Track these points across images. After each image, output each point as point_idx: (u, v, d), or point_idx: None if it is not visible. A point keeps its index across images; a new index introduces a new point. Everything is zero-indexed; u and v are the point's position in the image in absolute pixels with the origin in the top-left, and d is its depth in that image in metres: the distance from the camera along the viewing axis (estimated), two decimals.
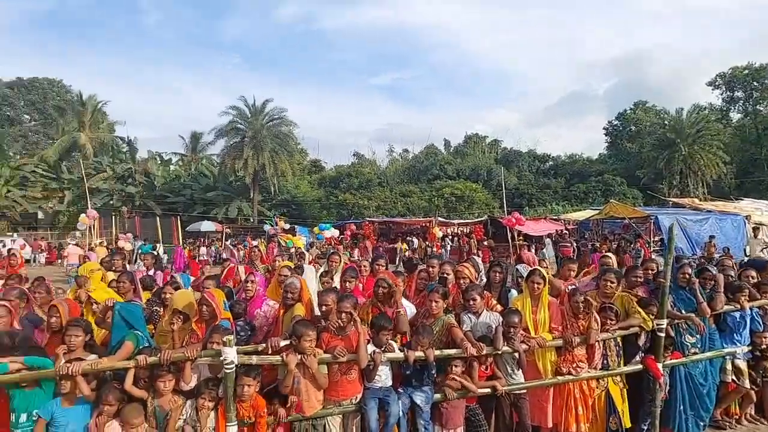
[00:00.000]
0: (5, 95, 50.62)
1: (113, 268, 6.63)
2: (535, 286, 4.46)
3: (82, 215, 21.70)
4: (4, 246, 21.39)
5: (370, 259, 7.34)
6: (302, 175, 44.18)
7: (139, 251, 15.60)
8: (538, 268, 4.82)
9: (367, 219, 28.28)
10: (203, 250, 25.90)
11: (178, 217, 28.81)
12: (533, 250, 15.40)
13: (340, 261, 6.53)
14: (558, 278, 5.29)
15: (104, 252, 13.71)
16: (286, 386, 3.72)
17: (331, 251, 8.30)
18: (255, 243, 21.90)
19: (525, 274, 4.83)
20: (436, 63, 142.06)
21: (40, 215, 38.53)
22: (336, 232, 23.73)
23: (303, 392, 3.77)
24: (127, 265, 9.01)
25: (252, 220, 35.08)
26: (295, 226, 26.51)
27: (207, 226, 31.47)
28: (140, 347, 3.74)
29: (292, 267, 5.83)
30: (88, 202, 27.92)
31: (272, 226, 24.55)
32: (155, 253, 9.86)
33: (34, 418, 3.40)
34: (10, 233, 31.08)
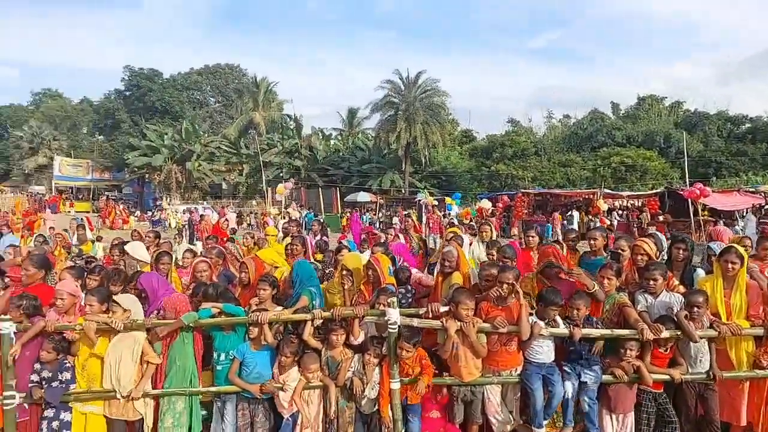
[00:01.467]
0: (196, 81, 59.44)
1: (289, 233, 7.54)
2: (729, 266, 3.92)
3: (280, 185, 24.87)
4: (197, 212, 25.72)
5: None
6: (453, 145, 44.15)
7: (305, 219, 17.45)
8: (735, 245, 4.21)
9: (522, 190, 27.25)
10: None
11: (338, 188, 31.27)
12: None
13: (491, 231, 6.50)
14: (754, 260, 4.57)
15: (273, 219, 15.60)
16: (445, 351, 3.90)
17: (482, 222, 8.31)
18: (405, 213, 22.79)
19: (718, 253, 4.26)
20: (600, 17, 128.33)
21: (224, 186, 45.01)
22: (488, 204, 23.42)
23: (462, 358, 3.91)
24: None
25: (403, 192, 36.39)
26: (445, 198, 26.80)
27: (363, 196, 33.59)
28: (313, 302, 4.24)
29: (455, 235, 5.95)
30: (263, 175, 31.79)
31: (424, 197, 25.20)
32: (320, 220, 10.91)
33: (230, 358, 4.07)
34: (201, 201, 37.01)
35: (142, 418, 3.97)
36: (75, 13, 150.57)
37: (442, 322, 3.88)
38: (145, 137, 41.20)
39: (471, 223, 10.98)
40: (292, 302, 4.34)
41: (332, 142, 48.68)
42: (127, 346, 3.89)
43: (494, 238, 6.46)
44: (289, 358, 3.95)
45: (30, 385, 3.90)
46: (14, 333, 3.88)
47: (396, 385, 3.90)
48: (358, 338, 4.06)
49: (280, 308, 4.28)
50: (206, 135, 45.54)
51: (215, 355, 4.12)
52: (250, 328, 4.07)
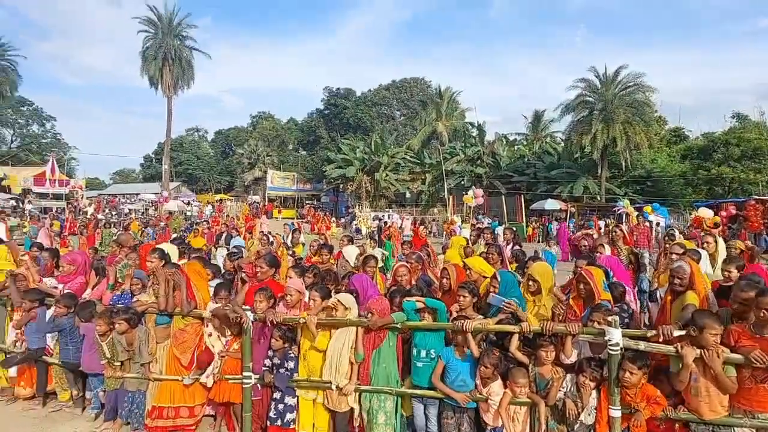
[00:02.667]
0: (384, 97, 63.84)
1: (484, 242, 7.49)
2: None
3: (469, 193, 25.41)
4: (382, 220, 27.47)
5: None
6: (660, 146, 39.08)
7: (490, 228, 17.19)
8: None
9: (755, 197, 22.70)
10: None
11: (522, 195, 30.22)
12: None
13: (716, 244, 5.53)
14: None
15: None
16: (680, 381, 3.38)
17: (705, 233, 7.12)
18: (602, 223, 20.86)
19: None
20: None
21: (408, 195, 47.21)
22: (709, 213, 20.05)
23: (702, 392, 3.35)
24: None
25: (599, 198, 33.46)
26: (650, 206, 23.75)
27: (551, 204, 31.85)
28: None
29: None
30: (444, 183, 32.46)
31: (624, 205, 22.75)
32: (512, 228, 10.62)
33: (431, 357, 4.16)
34: (387, 209, 39.35)
35: (352, 410, 4.30)
36: (286, 44, 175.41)
37: (676, 347, 3.37)
38: (340, 151, 45.68)
39: (709, 231, 9.42)
40: (492, 312, 4.26)
41: (516, 147, 47.41)
42: (346, 342, 4.25)
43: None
44: (489, 369, 3.87)
45: (263, 369, 4.55)
46: (252, 321, 4.56)
47: (616, 413, 3.51)
48: (570, 357, 3.78)
49: (481, 317, 4.23)
50: (392, 147, 48.43)
51: (414, 351, 4.26)
52: (453, 334, 4.10)
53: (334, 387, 4.24)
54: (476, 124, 46.79)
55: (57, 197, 36.63)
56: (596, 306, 3.85)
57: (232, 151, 70.11)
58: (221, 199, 49.93)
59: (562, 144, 39.84)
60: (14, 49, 52.36)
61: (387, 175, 43.02)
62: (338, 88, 62.12)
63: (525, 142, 47.86)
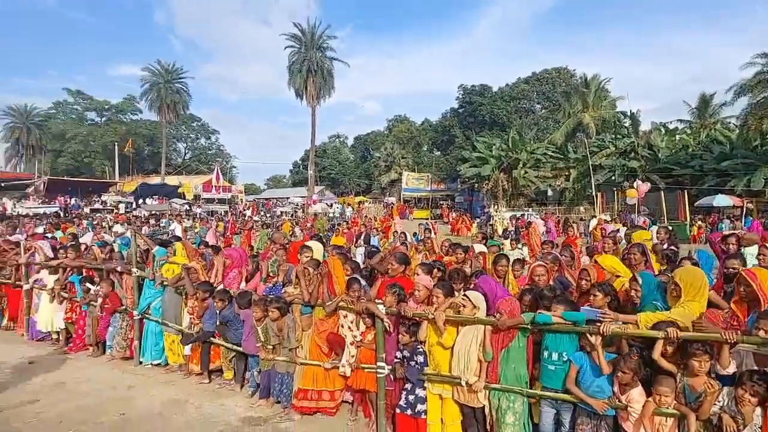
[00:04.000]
0: (523, 90, 61.70)
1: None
2: None
3: (632, 189, 23.74)
4: (518, 219, 26.59)
5: None
6: None
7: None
8: None
9: None
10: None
11: (685, 191, 27.00)
12: None
13: None
14: None
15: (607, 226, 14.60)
16: None
17: None
18: None
19: None
20: None
21: (549, 192, 45.01)
22: None
23: None
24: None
25: None
26: None
27: (721, 200, 27.98)
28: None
29: None
30: (592, 179, 30.36)
31: None
32: (667, 227, 9.66)
33: (563, 359, 4.05)
34: (526, 208, 37.94)
35: (483, 407, 4.36)
36: (421, 47, 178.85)
37: None
38: (475, 149, 45.22)
39: None
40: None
41: (677, 137, 42.47)
42: (474, 339, 4.34)
43: None
44: (628, 375, 3.65)
45: (395, 361, 4.83)
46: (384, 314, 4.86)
47: None
48: (728, 368, 3.41)
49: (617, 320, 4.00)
50: (532, 142, 46.60)
51: (545, 353, 4.18)
52: (589, 336, 3.94)
53: (463, 383, 4.34)
54: (628, 114, 42.91)
55: (221, 201, 41.75)
56: (764, 312, 3.42)
57: (370, 155, 73.52)
58: (360, 201, 52.64)
59: (737, 131, 34.74)
60: (185, 72, 61.12)
61: (526, 172, 41.50)
62: (473, 85, 61.60)
63: (688, 131, 42.67)
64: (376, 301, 4.86)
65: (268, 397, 5.60)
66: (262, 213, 38.70)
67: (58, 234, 14.18)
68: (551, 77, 61.42)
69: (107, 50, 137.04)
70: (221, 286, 6.44)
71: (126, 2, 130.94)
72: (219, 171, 46.20)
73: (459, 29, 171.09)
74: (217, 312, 6.17)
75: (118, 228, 15.89)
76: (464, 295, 4.52)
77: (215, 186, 43.08)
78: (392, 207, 44.31)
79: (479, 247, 7.18)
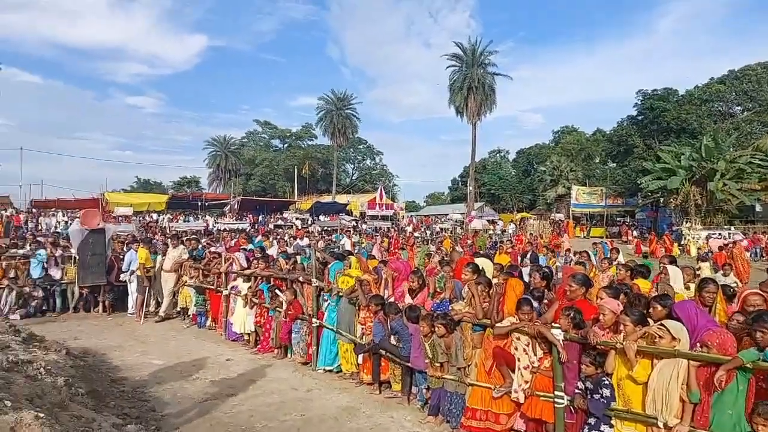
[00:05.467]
0: (717, 91, 53.82)
1: None
2: None
3: None
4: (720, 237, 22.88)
5: None
6: None
7: None
8: None
9: None
10: None
11: None
12: None
13: None
14: None
15: None
16: None
17: None
18: None
19: None
20: None
21: (758, 208, 38.27)
22: None
23: None
24: None
25: None
26: None
27: None
28: None
29: None
30: None
31: None
32: None
33: None
34: (727, 226, 32.70)
35: None
36: (589, 55, 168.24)
37: None
38: (659, 160, 40.57)
39: None
40: None
41: None
42: (674, 376, 3.79)
43: None
44: None
45: (576, 391, 4.44)
46: (562, 338, 4.51)
47: None
48: None
49: None
50: (731, 150, 40.31)
51: None
52: None
53: (660, 424, 3.81)
54: None
55: (384, 218, 43.80)
56: None
57: (533, 169, 70.75)
58: (523, 218, 50.81)
59: None
60: (355, 98, 65.99)
61: (725, 184, 35.92)
62: (655, 90, 55.59)
63: None
64: (553, 325, 4.55)
65: (437, 415, 5.58)
66: (422, 229, 39.60)
67: (250, 246, 16.21)
68: (755, 74, 52.62)
69: (289, 85, 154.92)
70: (391, 299, 6.66)
71: (305, 42, 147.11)
72: (382, 190, 48.69)
73: (636, 31, 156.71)
74: (387, 324, 6.39)
75: (299, 242, 17.58)
76: (661, 324, 3.98)
77: (379, 204, 45.44)
78: (562, 224, 41.83)
79: (673, 270, 6.33)
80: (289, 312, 8.18)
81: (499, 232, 35.06)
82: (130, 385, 6.87)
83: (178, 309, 11.81)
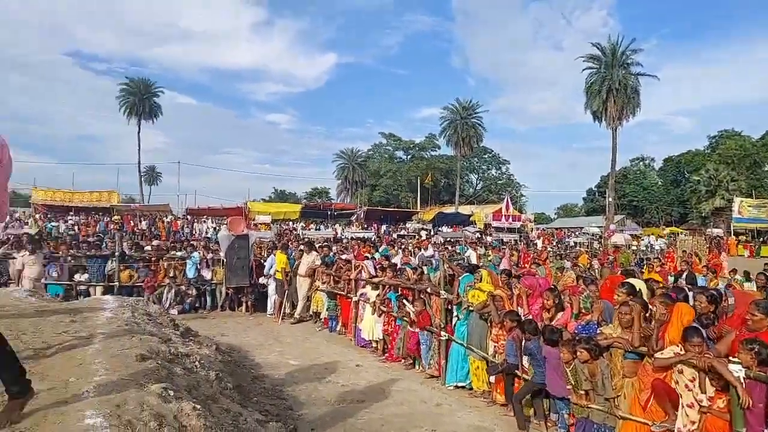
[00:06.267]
0: None
1: None
2: None
3: None
4: None
5: None
6: None
7: None
8: None
9: None
10: None
11: None
12: None
13: None
14: None
15: None
16: None
17: None
18: None
19: None
20: None
21: None
22: None
23: None
24: None
25: None
26: None
27: None
28: None
29: None
30: None
31: None
32: None
33: None
34: None
35: None
36: (755, 48, 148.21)
37: None
38: None
39: None
40: None
41: None
42: None
43: None
44: None
45: None
46: (743, 377, 3.88)
47: None
48: None
49: None
50: None
51: None
52: None
53: None
54: None
55: (510, 230, 42.45)
56: None
57: (684, 179, 63.87)
58: (672, 233, 45.94)
59: None
60: (480, 107, 65.13)
61: None
62: None
63: None
64: (731, 360, 3.93)
65: None
66: (554, 243, 37.58)
67: (377, 255, 16.62)
68: None
69: (413, 97, 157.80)
70: (529, 317, 6.32)
71: (428, 54, 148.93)
72: (509, 200, 47.20)
73: None
74: (522, 344, 6.06)
75: (424, 252, 17.63)
76: None
77: (505, 215, 44.07)
78: (722, 241, 37.10)
79: None
80: (418, 323, 8.16)
81: (644, 248, 32.01)
82: (269, 383, 7.32)
83: (311, 312, 12.44)
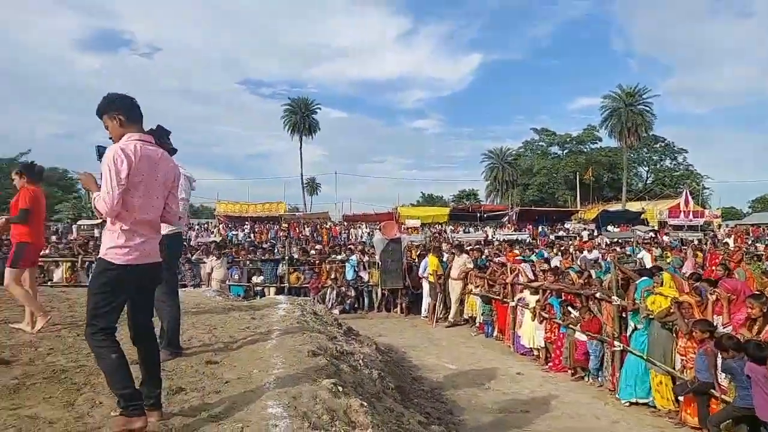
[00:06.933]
0: None
1: None
2: None
3: None
4: None
5: None
6: None
7: None
8: None
9: None
10: None
11: None
12: None
13: None
14: None
15: None
16: None
17: None
18: None
19: None
20: None
21: None
22: None
23: None
24: None
25: None
26: None
27: None
28: None
29: None
30: None
31: None
32: None
33: None
34: None
35: None
36: None
37: None
38: None
39: None
40: None
41: None
42: None
43: None
44: None
45: None
46: None
47: None
48: None
49: None
50: None
51: None
52: None
53: None
54: None
55: (692, 228, 37.76)
56: None
57: None
58: None
59: None
60: (648, 91, 58.97)
61: None
62: None
63: None
64: None
65: None
66: (748, 242, 32.43)
67: (533, 257, 15.89)
68: None
69: (566, 88, 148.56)
70: (728, 329, 5.46)
71: (582, 41, 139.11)
72: (688, 194, 41.90)
73: None
74: (717, 359, 5.25)
75: (586, 254, 16.43)
76: None
77: (683, 211, 39.22)
78: None
79: None
80: (586, 330, 7.56)
81: None
82: (428, 385, 7.36)
83: (465, 317, 12.30)
